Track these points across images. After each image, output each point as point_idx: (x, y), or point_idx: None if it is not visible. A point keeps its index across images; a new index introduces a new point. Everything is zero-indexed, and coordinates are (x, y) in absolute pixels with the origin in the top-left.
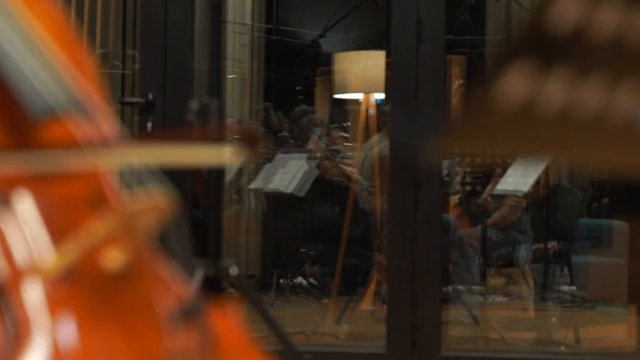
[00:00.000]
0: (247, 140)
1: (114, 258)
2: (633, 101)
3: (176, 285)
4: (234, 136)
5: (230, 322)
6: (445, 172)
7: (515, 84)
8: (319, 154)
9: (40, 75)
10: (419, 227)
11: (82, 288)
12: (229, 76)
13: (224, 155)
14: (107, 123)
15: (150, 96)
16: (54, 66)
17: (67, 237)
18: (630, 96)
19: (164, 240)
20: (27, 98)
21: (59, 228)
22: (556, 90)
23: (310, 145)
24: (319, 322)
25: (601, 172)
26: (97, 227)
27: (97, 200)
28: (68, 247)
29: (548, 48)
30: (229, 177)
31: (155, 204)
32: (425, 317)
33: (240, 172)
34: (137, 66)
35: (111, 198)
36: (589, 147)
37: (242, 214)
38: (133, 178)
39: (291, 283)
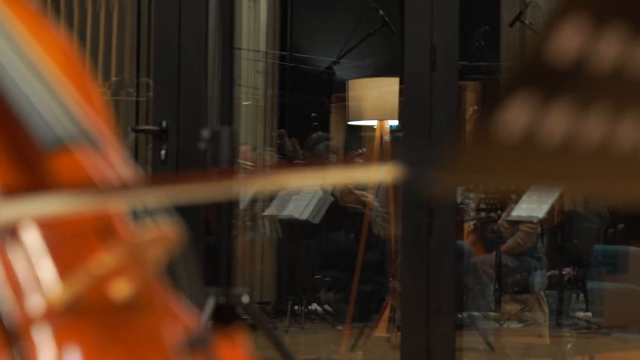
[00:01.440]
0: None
1: (121, 289)
2: (636, 131)
3: (184, 316)
4: (247, 163)
5: (238, 352)
6: (459, 198)
7: (516, 116)
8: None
9: (48, 106)
10: (433, 253)
11: (89, 319)
12: (243, 103)
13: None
14: (115, 154)
15: (164, 124)
16: (63, 96)
17: (75, 268)
18: (633, 126)
19: (172, 271)
20: (35, 129)
21: (66, 259)
22: (558, 122)
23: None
24: (333, 348)
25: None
26: (105, 258)
27: (106, 231)
28: (76, 278)
29: (549, 79)
30: (243, 204)
31: (163, 234)
32: (439, 344)
33: (254, 198)
34: (151, 94)
35: (119, 229)
36: (592, 178)
37: (257, 240)
38: (141, 209)
39: (306, 310)
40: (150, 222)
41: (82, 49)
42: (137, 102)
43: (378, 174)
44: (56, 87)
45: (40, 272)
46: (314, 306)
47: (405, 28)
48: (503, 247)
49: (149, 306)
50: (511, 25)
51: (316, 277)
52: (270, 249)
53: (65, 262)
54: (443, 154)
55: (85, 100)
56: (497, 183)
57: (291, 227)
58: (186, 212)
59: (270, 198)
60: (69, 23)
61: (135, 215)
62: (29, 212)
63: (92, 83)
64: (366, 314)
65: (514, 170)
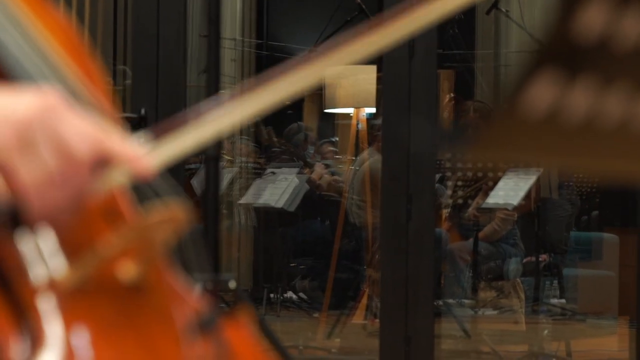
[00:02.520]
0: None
1: (129, 270)
2: None
3: (192, 297)
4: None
5: (244, 333)
6: (436, 185)
7: (540, 93)
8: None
9: (52, 85)
10: (412, 240)
11: (97, 300)
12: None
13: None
14: (117, 131)
15: (143, 111)
16: (67, 76)
17: (82, 249)
18: None
19: (179, 252)
20: None
21: (74, 241)
22: (581, 100)
23: (315, 174)
24: (310, 336)
25: (590, 184)
26: (113, 240)
27: (112, 213)
28: (83, 260)
29: (573, 57)
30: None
31: (171, 215)
32: (418, 331)
33: (231, 186)
34: (128, 82)
35: (126, 210)
36: (613, 156)
37: (233, 228)
38: (148, 190)
39: (281, 297)
40: (158, 203)
41: None
42: (115, 91)
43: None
44: (60, 66)
45: (47, 254)
46: (290, 294)
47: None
48: (480, 234)
49: (158, 288)
50: (487, 12)
51: (292, 265)
52: (247, 237)
53: (72, 244)
54: (469, 132)
55: (88, 79)
56: (521, 159)
57: (267, 215)
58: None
59: (246, 186)
60: None
61: (143, 196)
62: None
63: (93, 62)
64: (342, 302)
65: (538, 147)
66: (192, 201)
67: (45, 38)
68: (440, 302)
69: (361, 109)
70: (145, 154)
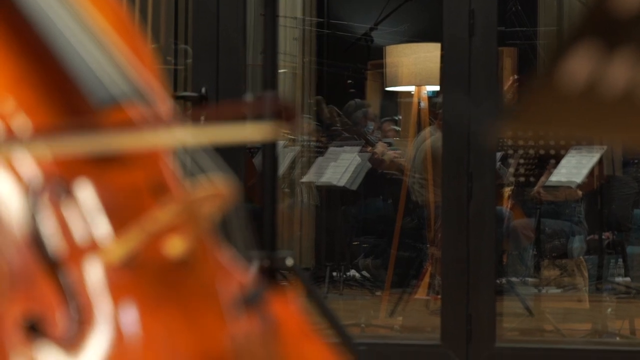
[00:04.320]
0: (283, 114)
1: (175, 245)
2: None
3: (237, 272)
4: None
5: (290, 308)
6: (498, 164)
7: (578, 66)
8: (384, 158)
9: (101, 64)
10: (473, 219)
11: (144, 275)
12: (280, 70)
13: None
14: (167, 111)
15: (203, 90)
16: (115, 54)
17: (129, 224)
18: None
19: (225, 227)
20: (89, 87)
21: (120, 216)
22: (620, 72)
23: (377, 149)
24: (372, 314)
25: None
26: (159, 215)
27: (159, 188)
28: (130, 235)
29: (611, 29)
30: (281, 170)
31: (216, 191)
32: (480, 309)
33: (292, 165)
34: (189, 61)
35: (173, 186)
36: None
37: (295, 207)
38: (194, 166)
39: (344, 276)
40: (203, 179)
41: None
42: (176, 70)
43: (252, 134)
44: (108, 46)
45: (95, 230)
46: (353, 272)
47: None
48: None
49: (203, 263)
50: None
51: (354, 243)
52: (309, 216)
53: (119, 220)
54: (507, 104)
55: (136, 57)
56: (559, 132)
57: (329, 194)
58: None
59: (308, 165)
60: None
61: (189, 172)
62: (74, 148)
63: (142, 41)
64: (404, 280)
65: (576, 119)
66: (253, 180)
67: (93, 17)
68: (504, 281)
69: (423, 86)
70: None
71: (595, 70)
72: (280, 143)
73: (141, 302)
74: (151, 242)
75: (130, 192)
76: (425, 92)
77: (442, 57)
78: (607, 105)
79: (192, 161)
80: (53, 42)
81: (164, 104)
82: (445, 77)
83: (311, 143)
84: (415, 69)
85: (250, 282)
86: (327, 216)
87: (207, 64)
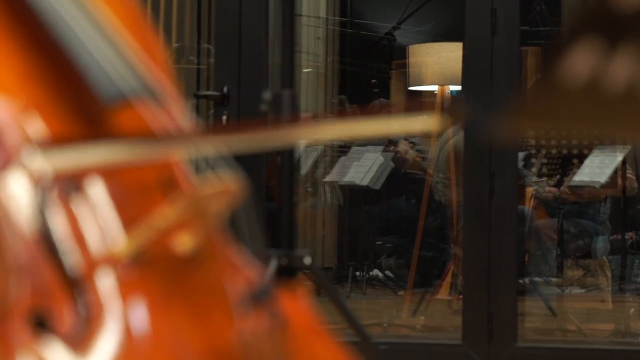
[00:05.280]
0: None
1: (184, 242)
2: None
3: (246, 269)
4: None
5: (300, 305)
6: (521, 163)
7: (581, 62)
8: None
9: (111, 60)
10: (494, 217)
11: (153, 272)
12: (304, 70)
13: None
14: (177, 108)
15: (225, 89)
16: (125, 50)
17: (138, 221)
18: None
19: (234, 224)
20: (98, 83)
21: (130, 213)
22: (622, 68)
23: (401, 149)
24: (395, 314)
25: None
26: (168, 211)
27: (169, 185)
28: (139, 232)
29: (614, 25)
30: (304, 169)
31: (225, 187)
32: (501, 308)
33: (315, 165)
34: (212, 60)
35: (182, 182)
36: None
37: (318, 206)
38: (203, 162)
39: (367, 275)
40: (212, 175)
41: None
42: (199, 69)
43: (419, 124)
44: (118, 41)
45: (105, 226)
46: (375, 272)
47: None
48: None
49: (212, 259)
50: None
51: (377, 243)
52: (332, 215)
53: (129, 216)
54: (508, 102)
55: (147, 54)
56: (561, 129)
57: (352, 193)
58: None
59: (331, 164)
60: None
61: (198, 168)
62: (87, 160)
63: (153, 37)
64: (427, 280)
65: (579, 116)
66: (272, 181)
67: (103, 12)
68: (527, 280)
69: (446, 86)
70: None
71: (597, 66)
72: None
73: (150, 299)
74: (160, 238)
75: (139, 188)
76: (449, 91)
77: (464, 56)
78: (609, 101)
79: (202, 157)
80: (62, 37)
81: (175, 101)
82: (467, 76)
83: (334, 142)
84: (438, 68)
85: (259, 279)
86: (350, 216)
87: (229, 64)
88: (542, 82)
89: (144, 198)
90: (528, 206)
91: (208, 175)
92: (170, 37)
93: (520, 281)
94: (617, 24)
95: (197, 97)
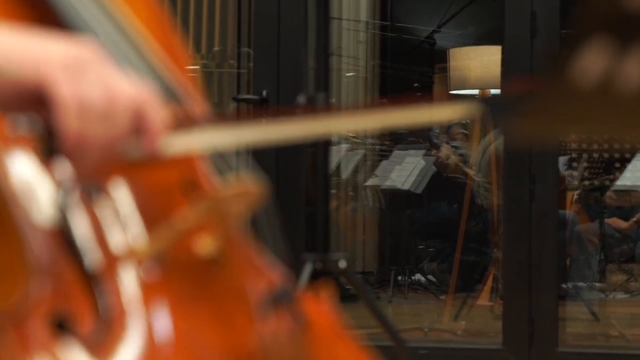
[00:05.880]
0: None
1: (206, 244)
2: None
3: (267, 271)
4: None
5: (323, 308)
6: (564, 167)
7: (593, 63)
8: (450, 162)
9: (132, 62)
10: (535, 221)
11: (174, 274)
12: (345, 74)
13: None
14: (199, 109)
15: (264, 93)
16: (146, 52)
17: (160, 223)
18: None
19: (255, 226)
20: None
21: (152, 214)
22: (635, 68)
23: (442, 153)
24: (436, 318)
25: None
26: (190, 213)
27: (190, 187)
28: (161, 233)
29: (626, 25)
30: (345, 173)
31: (246, 189)
32: (542, 313)
33: (357, 169)
34: (251, 64)
35: (204, 184)
36: None
37: (359, 210)
38: (225, 164)
39: (409, 280)
40: (233, 177)
41: (185, 20)
42: (239, 73)
43: (449, 113)
44: (140, 43)
45: (127, 227)
46: (418, 276)
47: None
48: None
49: (233, 262)
50: None
51: (419, 247)
52: (373, 219)
53: (151, 217)
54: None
55: (169, 56)
56: (574, 131)
57: (393, 197)
58: (286, 182)
59: (372, 168)
60: None
61: (220, 170)
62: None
63: (176, 38)
64: (469, 284)
65: (592, 117)
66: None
67: (125, 14)
68: (570, 286)
69: (487, 90)
70: (169, 134)
71: (609, 66)
72: (344, 146)
73: (171, 301)
74: (181, 240)
75: (162, 189)
76: (490, 95)
77: (503, 59)
78: (621, 101)
79: (223, 158)
80: (82, 36)
81: (197, 104)
82: (506, 79)
83: (376, 146)
84: (479, 72)
85: (281, 281)
86: (391, 220)
87: (268, 67)
88: (556, 83)
89: (166, 199)
90: (570, 210)
91: (229, 177)
92: (213, 41)
93: (564, 286)
94: (630, 24)
95: (237, 100)
